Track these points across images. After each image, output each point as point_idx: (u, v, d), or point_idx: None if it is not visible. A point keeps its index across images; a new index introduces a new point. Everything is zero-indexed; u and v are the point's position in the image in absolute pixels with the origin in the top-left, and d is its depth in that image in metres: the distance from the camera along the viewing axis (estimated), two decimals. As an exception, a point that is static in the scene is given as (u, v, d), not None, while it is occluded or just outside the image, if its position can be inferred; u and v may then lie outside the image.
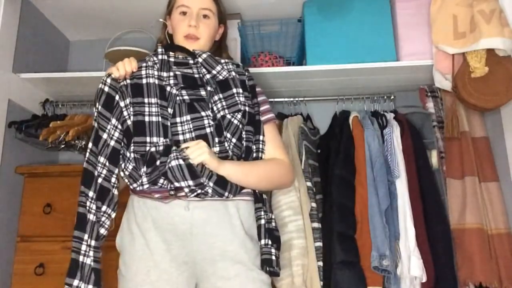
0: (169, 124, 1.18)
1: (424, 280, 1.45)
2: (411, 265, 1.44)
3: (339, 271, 1.43)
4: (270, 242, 1.20)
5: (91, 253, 1.11)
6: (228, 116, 1.21)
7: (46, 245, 1.68)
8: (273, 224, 1.26)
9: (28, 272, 1.66)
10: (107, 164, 1.17)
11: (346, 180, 1.57)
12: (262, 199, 1.26)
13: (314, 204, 1.58)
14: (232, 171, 1.15)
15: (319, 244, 1.54)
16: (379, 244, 1.44)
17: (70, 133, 1.80)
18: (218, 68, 1.30)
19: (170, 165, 1.09)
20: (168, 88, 1.23)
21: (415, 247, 1.46)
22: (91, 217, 1.13)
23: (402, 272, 1.46)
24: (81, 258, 1.10)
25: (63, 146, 1.86)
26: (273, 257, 1.18)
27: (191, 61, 1.31)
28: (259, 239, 1.21)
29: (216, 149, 1.17)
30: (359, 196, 1.54)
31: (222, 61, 1.34)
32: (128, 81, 1.24)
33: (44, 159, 2.01)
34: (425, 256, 1.48)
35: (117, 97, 1.21)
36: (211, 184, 1.12)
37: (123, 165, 1.20)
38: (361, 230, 1.50)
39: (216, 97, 1.24)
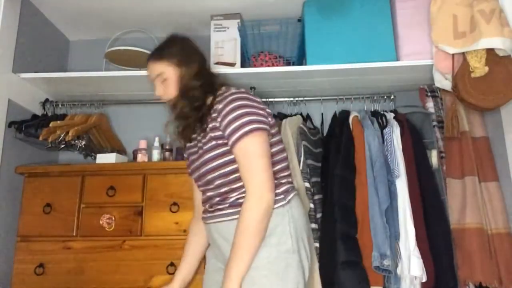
0: None
1: (424, 279, 1.45)
2: (411, 265, 1.44)
3: (342, 271, 1.43)
4: None
5: None
6: None
7: (46, 245, 1.68)
8: None
9: (28, 272, 1.65)
10: None
11: (347, 180, 1.57)
12: None
13: (311, 205, 1.58)
14: (238, 274, 1.14)
15: (316, 245, 1.54)
16: (380, 244, 1.44)
17: (70, 133, 1.80)
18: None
19: None
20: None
21: (415, 247, 1.46)
22: None
23: (402, 272, 1.46)
24: None
25: (63, 146, 1.86)
26: None
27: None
28: None
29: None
30: (359, 196, 1.54)
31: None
32: None
33: (44, 159, 2.00)
34: (425, 256, 1.48)
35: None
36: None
37: None
38: (362, 230, 1.50)
39: None
